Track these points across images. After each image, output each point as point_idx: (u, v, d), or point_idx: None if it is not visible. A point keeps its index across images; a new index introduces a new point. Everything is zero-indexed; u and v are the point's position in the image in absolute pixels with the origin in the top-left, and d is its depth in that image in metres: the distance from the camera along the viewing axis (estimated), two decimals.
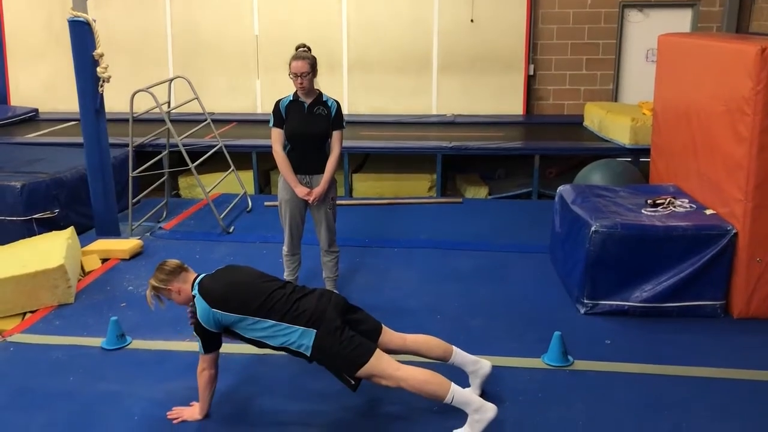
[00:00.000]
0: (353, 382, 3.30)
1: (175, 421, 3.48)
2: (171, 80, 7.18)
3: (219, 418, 3.53)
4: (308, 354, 3.30)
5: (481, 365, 3.61)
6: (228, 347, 3.66)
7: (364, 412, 3.59)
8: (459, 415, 3.28)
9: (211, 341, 3.39)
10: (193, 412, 3.51)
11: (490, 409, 3.23)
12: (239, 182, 7.40)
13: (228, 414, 3.57)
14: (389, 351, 3.43)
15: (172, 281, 3.42)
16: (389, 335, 3.52)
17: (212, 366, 3.43)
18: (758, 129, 4.32)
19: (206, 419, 3.49)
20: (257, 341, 3.38)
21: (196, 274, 3.48)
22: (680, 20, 9.42)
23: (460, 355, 3.60)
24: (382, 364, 3.25)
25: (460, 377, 3.55)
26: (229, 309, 3.29)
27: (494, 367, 3.67)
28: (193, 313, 3.37)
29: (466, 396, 3.28)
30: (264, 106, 9.92)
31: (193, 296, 3.37)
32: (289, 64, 4.48)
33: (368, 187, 8.00)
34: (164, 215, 6.91)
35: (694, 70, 5.29)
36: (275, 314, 3.29)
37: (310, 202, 4.64)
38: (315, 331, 3.26)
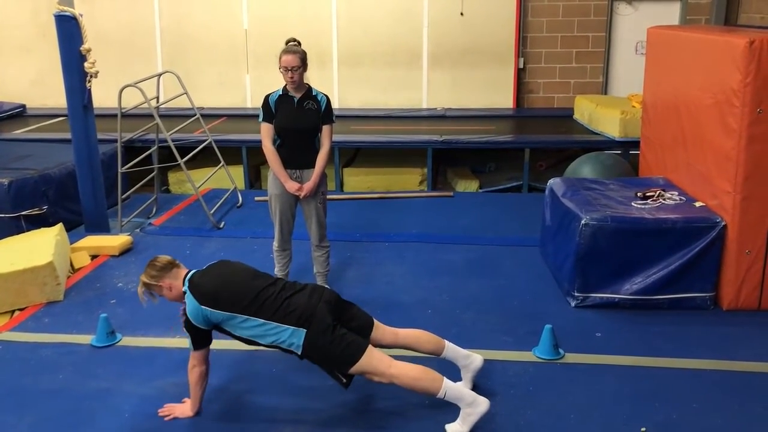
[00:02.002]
0: (345, 380, 3.30)
1: (166, 419, 3.47)
2: (159, 75, 7.13)
3: (210, 415, 3.51)
4: (299, 352, 3.30)
5: (472, 359, 3.62)
6: (219, 343, 3.65)
7: (357, 407, 3.58)
8: (451, 410, 3.29)
9: (200, 338, 3.38)
10: (184, 408, 3.50)
11: (482, 403, 3.25)
12: (229, 177, 7.37)
13: (220, 411, 3.56)
14: (381, 346, 3.43)
15: (163, 277, 3.39)
16: (381, 330, 3.52)
17: (203, 362, 3.42)
18: (747, 121, 4.33)
19: (198, 416, 3.48)
20: (247, 340, 3.37)
21: (187, 270, 3.46)
22: (669, 13, 9.44)
23: (452, 350, 3.60)
24: (373, 362, 3.25)
25: (452, 370, 3.56)
26: (218, 307, 3.28)
27: (485, 361, 3.68)
28: (184, 310, 3.35)
29: (459, 391, 3.29)
30: (254, 101, 9.87)
31: (184, 293, 3.36)
32: (280, 58, 4.46)
33: (359, 181, 7.98)
34: (154, 211, 6.87)
35: (683, 63, 5.30)
36: (265, 313, 3.27)
37: (300, 196, 4.62)
38: (305, 330, 3.24)
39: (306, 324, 3.25)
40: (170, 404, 3.54)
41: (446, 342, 3.61)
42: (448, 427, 3.28)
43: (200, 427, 3.44)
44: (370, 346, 3.30)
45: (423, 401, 3.49)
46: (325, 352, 3.25)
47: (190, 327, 3.34)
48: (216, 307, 3.28)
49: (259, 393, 3.72)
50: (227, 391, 3.73)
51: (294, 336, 3.26)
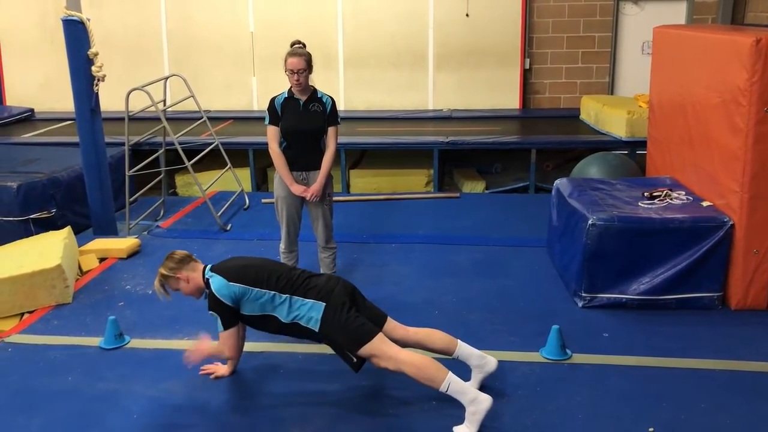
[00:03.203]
0: (355, 360, 3.37)
1: (212, 377, 3.74)
2: (166, 78, 7.16)
3: (219, 409, 3.54)
4: (316, 328, 3.40)
5: (487, 361, 3.62)
6: None
7: (369, 393, 3.60)
8: (459, 405, 3.29)
9: (229, 315, 3.50)
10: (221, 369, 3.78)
11: (485, 400, 3.25)
12: (236, 180, 7.39)
13: (229, 405, 3.58)
14: (393, 341, 3.46)
15: (182, 269, 3.54)
16: (393, 325, 3.60)
17: (233, 349, 3.62)
18: (754, 120, 4.32)
19: (208, 411, 3.54)
20: (268, 317, 3.47)
21: (203, 264, 3.61)
22: (675, 12, 9.42)
23: (465, 349, 3.62)
24: (383, 346, 3.34)
25: (463, 372, 3.56)
26: (247, 282, 3.44)
27: None
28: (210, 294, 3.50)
29: (462, 386, 3.30)
30: (260, 103, 9.90)
31: (207, 280, 3.50)
32: (285, 61, 4.47)
33: (365, 182, 7.99)
34: (161, 214, 6.90)
35: (689, 62, 5.29)
36: (288, 289, 3.45)
37: (307, 199, 4.63)
38: (324, 304, 3.40)
39: (325, 298, 3.41)
40: (210, 366, 3.79)
41: (459, 341, 3.62)
42: (456, 429, 3.28)
43: (210, 422, 3.46)
44: (381, 333, 3.40)
45: (431, 395, 3.47)
46: (340, 327, 3.36)
47: (217, 306, 3.45)
48: (245, 282, 3.44)
49: (268, 388, 3.73)
50: (237, 387, 3.75)
51: (313, 310, 3.40)
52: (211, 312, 3.50)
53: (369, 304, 3.62)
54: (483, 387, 3.59)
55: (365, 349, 3.33)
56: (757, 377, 3.80)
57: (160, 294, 3.61)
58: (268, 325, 3.53)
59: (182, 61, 9.88)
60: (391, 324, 3.59)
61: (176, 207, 7.19)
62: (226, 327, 3.51)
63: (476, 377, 3.62)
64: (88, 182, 6.18)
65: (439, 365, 3.31)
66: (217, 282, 3.46)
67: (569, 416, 3.46)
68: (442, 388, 3.27)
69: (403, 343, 3.54)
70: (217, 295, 3.44)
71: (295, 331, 3.49)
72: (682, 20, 9.41)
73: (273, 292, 3.45)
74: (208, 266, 3.59)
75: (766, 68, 4.22)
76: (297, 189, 4.59)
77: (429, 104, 9.85)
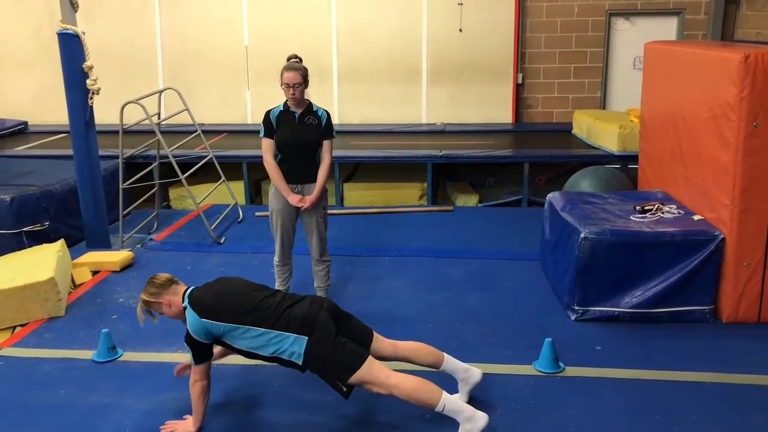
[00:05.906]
0: (345, 389, 3.30)
1: None
2: (161, 92, 7.18)
3: (213, 420, 3.52)
4: (300, 362, 3.31)
5: (471, 373, 3.63)
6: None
7: (358, 421, 3.58)
8: (451, 423, 3.29)
9: (202, 352, 3.39)
10: (186, 425, 3.49)
11: (481, 418, 3.25)
12: (230, 193, 7.40)
13: (221, 426, 3.56)
14: (381, 358, 3.45)
15: (163, 294, 3.42)
16: (381, 342, 3.54)
17: (204, 377, 3.42)
18: (743, 134, 4.37)
19: None
20: (248, 352, 3.38)
21: (186, 287, 3.49)
22: (666, 28, 9.52)
23: (451, 363, 3.61)
24: (373, 371, 3.26)
25: (449, 384, 3.57)
26: (219, 318, 3.30)
27: (486, 374, 3.69)
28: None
29: (458, 404, 3.29)
30: (254, 117, 9.92)
31: (184, 308, 3.38)
32: (281, 75, 4.50)
33: (359, 196, 8.01)
34: (155, 227, 6.90)
35: (680, 78, 5.35)
36: (266, 322, 3.30)
37: (302, 208, 4.65)
38: (306, 338, 3.27)
39: (308, 332, 3.28)
40: (172, 421, 3.54)
41: (445, 355, 3.62)
42: None
43: None
44: (370, 356, 3.32)
45: (422, 415, 3.49)
46: (325, 359, 3.27)
47: (191, 342, 3.36)
48: (217, 319, 3.30)
49: (260, 407, 3.72)
50: (228, 406, 3.74)
51: (295, 344, 3.28)
52: (185, 345, 3.39)
53: (355, 322, 3.53)
54: (476, 400, 3.60)
55: (355, 378, 3.25)
56: (749, 389, 3.82)
57: (142, 320, 3.45)
58: (252, 356, 3.41)
59: (177, 75, 9.90)
60: (379, 340, 3.53)
61: (170, 220, 7.18)
62: (197, 363, 3.39)
63: (464, 390, 3.63)
64: (82, 195, 6.18)
65: (432, 387, 3.27)
66: (190, 317, 3.33)
67: (562, 429, 3.47)
68: (438, 409, 3.24)
69: (392, 359, 3.52)
70: (190, 331, 3.33)
71: (279, 363, 3.39)
72: (673, 36, 9.51)
73: (247, 326, 3.29)
74: (189, 290, 3.45)
75: (755, 84, 4.28)
76: (294, 199, 4.61)
77: (422, 118, 9.90)
